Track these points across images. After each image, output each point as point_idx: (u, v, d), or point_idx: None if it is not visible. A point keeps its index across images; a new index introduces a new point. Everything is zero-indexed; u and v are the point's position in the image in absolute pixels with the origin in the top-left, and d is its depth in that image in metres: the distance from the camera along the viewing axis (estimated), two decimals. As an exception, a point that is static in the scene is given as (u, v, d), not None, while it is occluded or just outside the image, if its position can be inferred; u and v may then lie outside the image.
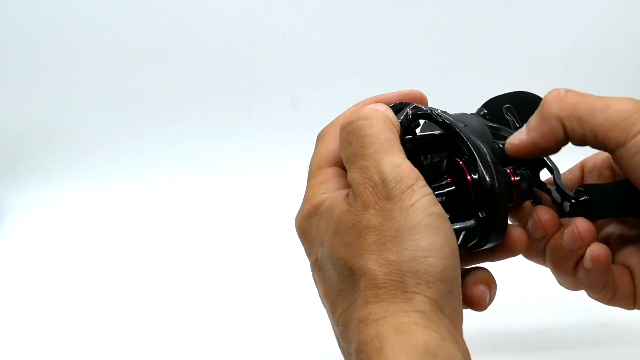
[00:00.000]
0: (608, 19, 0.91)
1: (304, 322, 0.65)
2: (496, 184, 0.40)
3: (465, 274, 0.42)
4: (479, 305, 0.42)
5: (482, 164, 0.40)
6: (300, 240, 0.42)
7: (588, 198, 0.42)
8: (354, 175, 0.38)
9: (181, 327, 0.67)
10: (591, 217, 0.42)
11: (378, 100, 0.44)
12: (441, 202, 0.39)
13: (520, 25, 0.92)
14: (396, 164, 0.37)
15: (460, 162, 0.41)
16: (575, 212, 0.42)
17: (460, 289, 0.38)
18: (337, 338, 0.39)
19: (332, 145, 0.42)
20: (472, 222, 0.40)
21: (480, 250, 0.42)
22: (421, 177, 0.37)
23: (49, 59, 0.92)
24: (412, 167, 0.37)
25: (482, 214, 0.40)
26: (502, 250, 0.42)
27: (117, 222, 0.85)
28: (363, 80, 0.90)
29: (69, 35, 0.91)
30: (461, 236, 0.40)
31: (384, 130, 0.39)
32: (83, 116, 0.93)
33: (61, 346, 0.65)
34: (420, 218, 0.36)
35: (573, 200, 0.42)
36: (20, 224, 0.86)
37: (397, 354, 0.33)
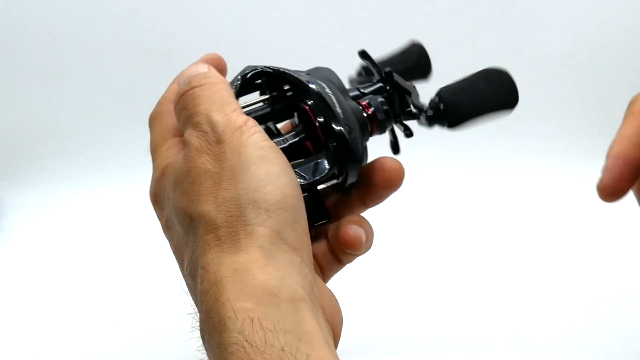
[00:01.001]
0: (608, 19, 0.91)
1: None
2: (339, 110, 0.40)
3: (339, 222, 0.42)
4: (354, 244, 0.41)
5: (317, 98, 0.40)
6: (154, 209, 0.42)
7: (443, 105, 0.42)
8: (188, 131, 0.38)
9: (181, 327, 0.67)
10: (454, 123, 0.42)
11: (182, 75, 0.43)
12: (294, 148, 0.40)
13: (520, 25, 0.92)
14: (225, 113, 0.37)
15: (306, 107, 0.41)
16: (437, 121, 0.42)
17: (306, 221, 0.37)
18: (189, 292, 0.39)
19: (167, 121, 0.42)
20: (322, 154, 0.40)
21: (355, 187, 0.42)
22: (252, 120, 0.37)
23: (48, 60, 0.92)
24: (242, 114, 0.38)
25: (331, 145, 0.40)
26: (380, 184, 0.42)
27: (117, 222, 0.85)
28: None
29: (68, 37, 0.91)
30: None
31: (216, 90, 0.39)
32: (83, 117, 0.93)
33: (61, 346, 0.65)
34: (253, 151, 0.36)
35: (429, 113, 0.42)
36: (20, 225, 0.86)
37: (235, 301, 0.32)
